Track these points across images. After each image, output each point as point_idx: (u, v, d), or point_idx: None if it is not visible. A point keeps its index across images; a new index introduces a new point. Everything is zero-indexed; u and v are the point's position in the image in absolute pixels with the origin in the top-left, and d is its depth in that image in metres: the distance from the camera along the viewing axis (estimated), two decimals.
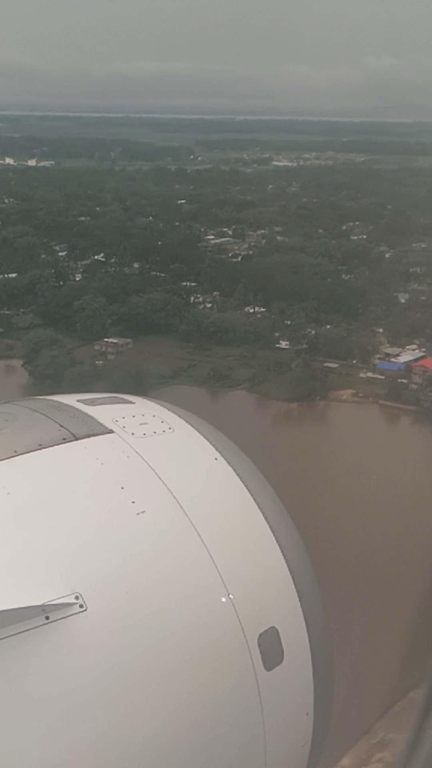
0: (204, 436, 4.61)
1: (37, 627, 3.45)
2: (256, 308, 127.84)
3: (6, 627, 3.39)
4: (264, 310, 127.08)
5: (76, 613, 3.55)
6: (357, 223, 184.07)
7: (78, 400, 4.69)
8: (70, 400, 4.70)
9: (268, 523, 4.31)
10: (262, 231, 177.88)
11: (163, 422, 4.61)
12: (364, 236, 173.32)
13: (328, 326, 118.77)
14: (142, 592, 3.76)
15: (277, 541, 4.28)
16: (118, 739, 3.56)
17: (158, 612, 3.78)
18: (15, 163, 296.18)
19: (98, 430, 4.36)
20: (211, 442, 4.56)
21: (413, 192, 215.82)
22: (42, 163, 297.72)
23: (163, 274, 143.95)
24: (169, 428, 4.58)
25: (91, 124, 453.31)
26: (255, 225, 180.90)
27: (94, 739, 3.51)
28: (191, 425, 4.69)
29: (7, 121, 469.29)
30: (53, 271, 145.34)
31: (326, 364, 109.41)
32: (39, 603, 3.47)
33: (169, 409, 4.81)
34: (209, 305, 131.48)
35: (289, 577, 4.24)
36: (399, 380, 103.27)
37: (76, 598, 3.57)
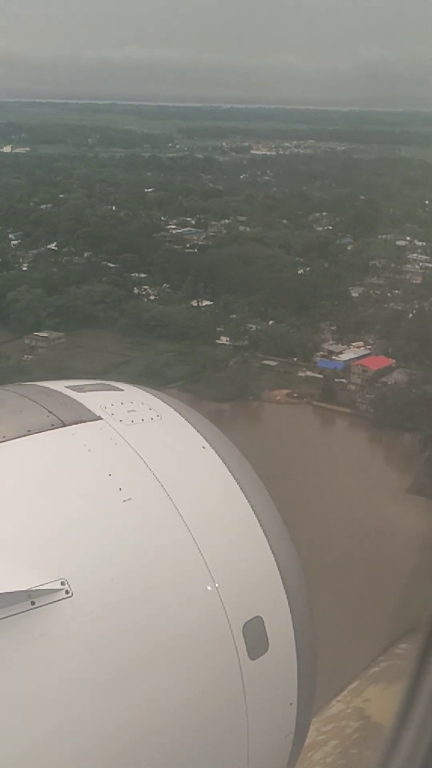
0: (192, 425, 4.59)
1: (22, 612, 3.45)
2: (202, 301, 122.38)
3: None
4: (211, 303, 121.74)
5: (62, 599, 3.55)
6: (324, 213, 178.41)
7: (67, 386, 4.66)
8: (58, 386, 4.67)
9: (255, 513, 4.30)
10: (227, 221, 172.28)
11: (151, 410, 4.60)
12: (330, 227, 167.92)
13: (271, 321, 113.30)
14: (127, 580, 3.79)
15: (263, 531, 4.28)
16: (101, 726, 3.59)
17: (144, 600, 3.80)
18: None
19: (86, 416, 4.34)
20: (198, 431, 4.55)
21: (389, 182, 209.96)
22: (18, 149, 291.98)
23: (113, 265, 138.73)
24: (157, 416, 4.57)
25: (76, 111, 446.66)
26: (219, 214, 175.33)
27: (76, 725, 3.53)
28: (179, 413, 4.68)
29: None
30: (0, 260, 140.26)
31: (265, 362, 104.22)
32: (25, 588, 3.47)
33: (157, 397, 4.81)
34: (153, 297, 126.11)
35: (274, 567, 4.24)
36: (337, 380, 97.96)
37: (62, 583, 3.57)
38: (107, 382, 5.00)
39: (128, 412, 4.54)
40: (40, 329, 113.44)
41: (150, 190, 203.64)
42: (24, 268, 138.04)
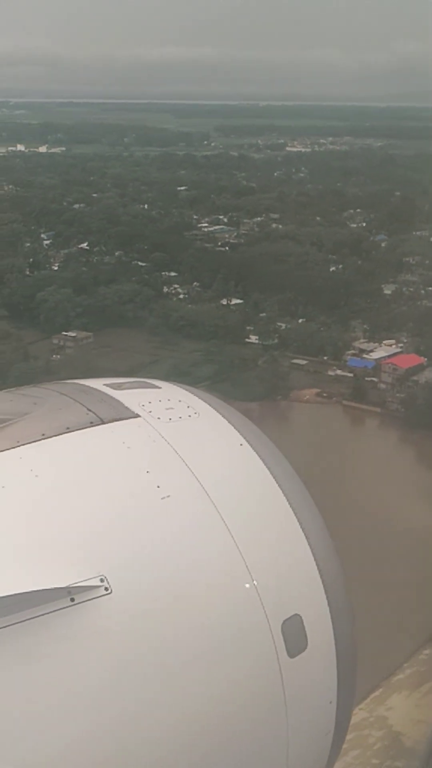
0: (229, 422, 4.56)
1: (62, 608, 3.51)
2: (232, 300, 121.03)
3: (32, 608, 3.46)
4: (241, 302, 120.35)
5: (101, 596, 3.60)
6: (358, 210, 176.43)
7: (105, 384, 4.72)
8: (97, 384, 4.73)
9: (293, 510, 4.26)
10: (259, 218, 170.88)
11: (188, 407, 4.60)
12: (364, 224, 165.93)
13: (302, 320, 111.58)
14: (166, 576, 3.81)
15: (301, 528, 4.25)
16: (141, 723, 3.63)
17: (182, 596, 3.82)
18: (26, 150, 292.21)
19: (125, 414, 4.38)
20: (236, 428, 4.52)
21: (425, 178, 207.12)
22: (53, 150, 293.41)
23: (144, 264, 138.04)
24: (195, 413, 4.56)
25: (112, 110, 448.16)
26: (252, 212, 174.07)
27: (115, 722, 3.58)
28: (217, 410, 4.65)
29: (28, 107, 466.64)
30: (31, 260, 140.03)
31: (294, 361, 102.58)
32: (64, 585, 3.53)
33: (194, 394, 4.78)
34: (182, 296, 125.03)
35: (313, 564, 4.22)
36: (367, 379, 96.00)
37: (101, 580, 3.61)
38: (145, 380, 4.94)
39: (166, 409, 4.50)
40: (68, 329, 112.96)
41: (183, 188, 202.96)
42: (54, 268, 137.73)
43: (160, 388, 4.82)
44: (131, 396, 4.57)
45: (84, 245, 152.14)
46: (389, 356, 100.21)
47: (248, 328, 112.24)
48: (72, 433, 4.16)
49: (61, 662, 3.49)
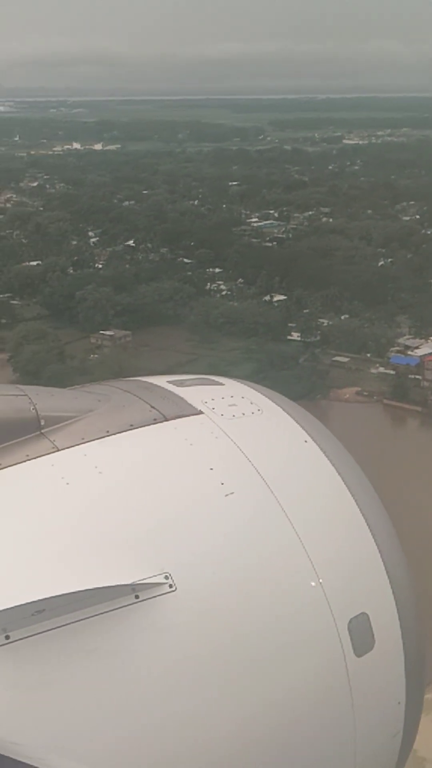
0: (293, 418, 4.53)
1: (127, 605, 3.56)
2: (275, 297, 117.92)
3: (97, 605, 3.51)
4: (285, 298, 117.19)
5: (165, 593, 3.63)
6: (411, 202, 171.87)
7: (168, 381, 4.75)
8: (160, 381, 4.78)
9: (359, 507, 4.20)
10: (309, 212, 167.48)
11: (252, 404, 4.55)
12: (417, 217, 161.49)
13: (345, 316, 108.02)
14: (230, 574, 3.82)
15: (368, 525, 4.18)
16: (204, 722, 3.65)
17: (246, 594, 3.82)
18: (81, 148, 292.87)
19: (188, 411, 4.38)
20: (300, 425, 4.48)
21: None
22: (108, 147, 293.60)
23: (189, 261, 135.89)
24: (258, 410, 4.52)
25: (170, 107, 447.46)
26: (302, 206, 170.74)
27: (180, 719, 3.61)
28: (280, 407, 4.60)
29: (87, 106, 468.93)
30: (75, 258, 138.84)
31: (336, 358, 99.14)
32: (129, 582, 3.57)
33: (258, 391, 4.74)
34: (225, 293, 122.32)
35: (380, 562, 4.15)
36: (411, 376, 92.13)
37: (166, 578, 3.64)
38: (208, 377, 4.86)
39: (229, 406, 4.42)
40: (107, 328, 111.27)
41: (234, 183, 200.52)
42: (99, 266, 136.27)
43: (223, 384, 4.73)
44: (194, 393, 4.50)
45: (130, 243, 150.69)
46: None
47: (290, 324, 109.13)
48: (135, 430, 4.14)
49: (126, 659, 3.49)
